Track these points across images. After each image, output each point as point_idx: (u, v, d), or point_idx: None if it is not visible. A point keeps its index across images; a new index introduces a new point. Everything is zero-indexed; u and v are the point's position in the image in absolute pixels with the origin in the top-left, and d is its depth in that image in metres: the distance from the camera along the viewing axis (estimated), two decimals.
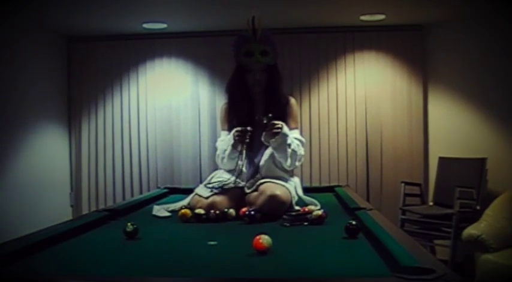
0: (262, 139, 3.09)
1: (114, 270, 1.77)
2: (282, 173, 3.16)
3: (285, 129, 3.08)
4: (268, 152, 3.16)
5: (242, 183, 3.12)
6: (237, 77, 3.30)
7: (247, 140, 3.06)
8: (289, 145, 3.09)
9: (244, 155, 3.10)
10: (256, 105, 3.30)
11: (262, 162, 3.16)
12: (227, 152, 3.17)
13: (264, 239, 1.91)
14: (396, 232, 2.16)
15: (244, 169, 3.15)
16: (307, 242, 2.24)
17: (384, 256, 1.80)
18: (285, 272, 1.71)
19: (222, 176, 3.17)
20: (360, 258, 1.87)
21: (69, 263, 1.86)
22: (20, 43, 5.15)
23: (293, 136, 3.19)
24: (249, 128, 3.06)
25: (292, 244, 2.18)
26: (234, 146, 3.12)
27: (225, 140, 3.27)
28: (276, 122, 3.03)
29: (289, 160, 3.12)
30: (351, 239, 2.19)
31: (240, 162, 3.11)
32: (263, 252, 1.90)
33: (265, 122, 3.00)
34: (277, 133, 3.02)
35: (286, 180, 3.11)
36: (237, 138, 3.08)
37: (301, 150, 3.20)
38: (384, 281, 1.45)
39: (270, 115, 3.02)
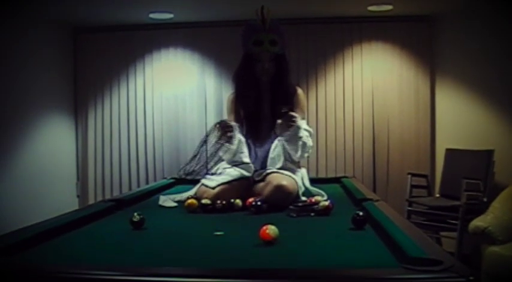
0: (277, 130, 3.07)
1: (121, 260, 1.77)
2: (289, 164, 3.15)
3: (299, 121, 3.07)
4: (277, 143, 3.14)
5: (247, 173, 3.10)
6: (244, 66, 3.29)
7: (230, 135, 3.03)
8: (301, 137, 3.08)
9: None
10: (263, 94, 3.29)
11: (272, 155, 3.15)
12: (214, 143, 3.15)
13: (271, 230, 1.90)
14: (403, 223, 2.15)
15: (247, 160, 3.14)
16: (314, 233, 2.23)
17: (391, 247, 1.79)
18: (291, 263, 1.70)
19: (226, 169, 3.16)
20: (367, 249, 1.87)
21: (75, 254, 1.86)
22: (26, 34, 5.15)
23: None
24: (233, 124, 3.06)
25: (299, 235, 2.18)
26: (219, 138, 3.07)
27: None
28: (293, 114, 3.01)
29: (299, 152, 3.11)
30: (358, 230, 2.19)
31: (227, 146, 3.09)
32: (270, 242, 1.89)
33: (283, 111, 2.98)
34: (292, 125, 3.01)
35: (293, 171, 3.10)
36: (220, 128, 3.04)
37: (310, 142, 3.19)
38: (391, 272, 1.44)
39: (289, 106, 3.01)
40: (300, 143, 3.09)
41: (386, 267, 1.53)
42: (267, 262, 1.71)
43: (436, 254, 1.58)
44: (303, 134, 3.10)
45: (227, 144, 3.05)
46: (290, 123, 3.01)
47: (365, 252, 1.82)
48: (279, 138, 3.13)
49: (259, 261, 1.72)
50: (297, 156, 3.14)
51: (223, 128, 3.02)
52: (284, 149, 3.12)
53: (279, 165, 3.11)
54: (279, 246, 1.89)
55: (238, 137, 3.14)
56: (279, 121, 3.04)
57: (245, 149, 3.18)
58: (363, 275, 1.44)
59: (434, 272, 1.38)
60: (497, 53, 5.24)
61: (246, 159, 3.15)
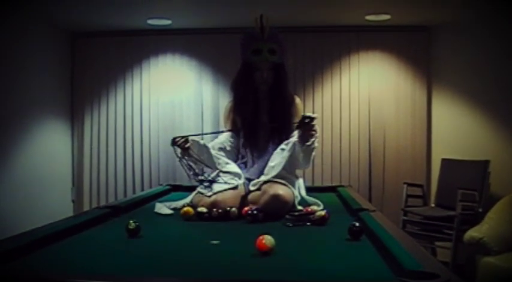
0: (297, 138, 3.02)
1: (116, 269, 1.76)
2: (287, 174, 3.13)
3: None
4: (279, 151, 3.13)
5: (243, 182, 3.10)
6: (243, 75, 3.28)
7: (187, 147, 3.07)
8: (315, 148, 3.06)
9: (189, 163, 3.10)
10: (261, 103, 3.28)
11: (272, 163, 3.12)
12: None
13: (267, 240, 1.89)
14: (399, 235, 2.15)
15: (236, 169, 3.16)
16: (310, 243, 2.23)
17: (387, 259, 1.78)
18: (288, 274, 1.69)
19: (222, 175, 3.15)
20: (364, 260, 1.86)
21: (70, 261, 1.85)
22: (24, 38, 5.14)
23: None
24: (182, 139, 3.09)
25: (295, 245, 2.17)
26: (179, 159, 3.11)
27: (220, 139, 3.32)
28: (315, 124, 2.97)
29: (310, 162, 3.10)
30: (354, 240, 2.18)
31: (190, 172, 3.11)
32: (266, 253, 1.88)
33: (307, 121, 2.91)
34: (313, 135, 2.97)
35: (290, 181, 3.09)
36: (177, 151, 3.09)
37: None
38: None
39: (315, 115, 2.93)
40: (314, 153, 3.08)
41: (383, 281, 1.52)
42: (264, 273, 1.70)
43: (433, 267, 1.58)
44: (315, 145, 3.08)
45: (191, 156, 3.07)
46: (312, 133, 2.96)
47: (361, 264, 1.82)
48: (295, 147, 3.06)
49: (256, 272, 1.72)
50: (307, 166, 3.13)
51: (177, 144, 3.07)
52: (289, 158, 3.09)
53: (274, 173, 3.08)
54: (276, 256, 1.88)
55: (201, 144, 3.15)
56: (300, 130, 2.98)
57: (222, 158, 3.18)
58: None
59: None
60: (494, 64, 5.27)
61: (231, 167, 3.16)
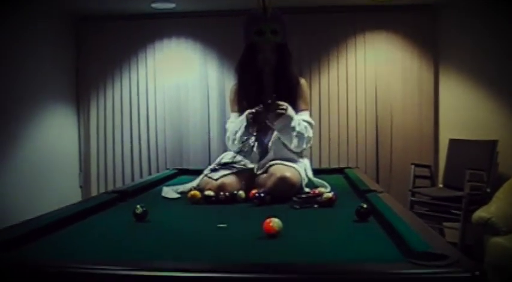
0: (267, 120, 3.06)
1: (124, 254, 1.76)
2: (291, 155, 3.14)
3: (290, 111, 3.05)
4: (277, 133, 3.14)
5: (251, 165, 3.10)
6: (247, 57, 3.27)
7: (262, 122, 3.04)
8: (293, 128, 3.06)
9: (255, 137, 3.09)
10: (266, 85, 3.27)
11: (270, 144, 3.14)
12: (238, 134, 3.15)
13: (275, 222, 1.89)
14: (408, 216, 2.14)
15: (254, 149, 3.14)
16: (318, 225, 2.22)
17: (396, 241, 1.78)
18: (295, 256, 1.69)
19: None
20: (372, 242, 1.85)
21: (78, 247, 1.85)
22: (28, 23, 5.12)
23: (302, 117, 3.17)
24: (260, 108, 3.03)
25: (303, 227, 2.17)
26: (246, 128, 3.10)
27: (236, 121, 3.26)
28: (281, 103, 3.00)
29: (294, 142, 3.10)
30: (361, 222, 2.18)
31: (251, 143, 3.10)
32: (273, 235, 1.88)
33: (269, 102, 2.96)
34: (282, 114, 2.99)
35: (295, 162, 3.08)
36: (251, 120, 3.07)
37: (309, 133, 3.17)
38: (397, 267, 1.43)
39: (274, 95, 2.98)
40: (294, 133, 3.08)
41: (393, 262, 1.51)
42: (271, 256, 1.69)
43: (441, 248, 1.57)
44: (298, 123, 3.08)
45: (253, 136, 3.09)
46: (278, 111, 2.99)
47: (370, 245, 1.81)
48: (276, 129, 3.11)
49: (263, 254, 1.71)
50: (292, 146, 3.13)
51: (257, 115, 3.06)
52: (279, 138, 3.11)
53: (272, 154, 3.10)
54: (283, 239, 1.88)
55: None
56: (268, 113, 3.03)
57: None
58: (369, 270, 1.43)
59: (440, 266, 1.37)
60: (501, 43, 5.21)
61: (255, 149, 3.15)
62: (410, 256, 1.50)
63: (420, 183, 5.44)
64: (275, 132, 3.15)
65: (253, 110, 3.06)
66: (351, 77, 5.88)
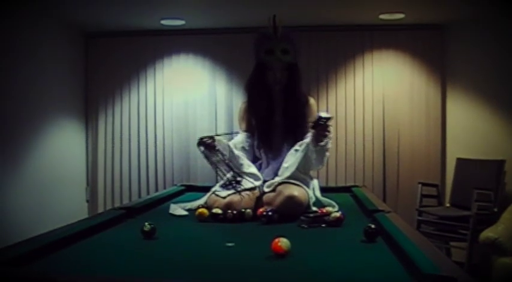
0: (310, 139, 3.00)
1: (132, 271, 1.77)
2: (302, 175, 3.13)
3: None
4: (293, 152, 3.13)
5: (257, 183, 3.07)
6: (257, 75, 3.28)
7: (217, 150, 2.97)
8: (328, 149, 3.06)
9: (221, 168, 3.02)
10: (275, 104, 3.28)
11: (285, 164, 3.12)
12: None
13: (283, 242, 1.89)
14: (415, 236, 2.14)
15: (255, 170, 3.13)
16: (326, 245, 2.22)
17: (404, 262, 1.78)
18: (303, 277, 1.69)
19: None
20: (380, 263, 1.85)
21: (86, 264, 1.86)
22: (38, 38, 5.17)
23: None
24: (209, 139, 2.99)
25: (311, 247, 2.17)
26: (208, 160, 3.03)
27: (238, 139, 3.28)
28: (330, 125, 2.95)
29: (324, 162, 3.11)
30: (369, 242, 2.17)
31: (224, 176, 3.05)
32: (282, 255, 1.88)
33: (322, 122, 2.87)
34: (327, 136, 2.96)
35: (305, 182, 3.08)
36: (205, 151, 2.99)
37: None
38: None
39: (329, 115, 2.90)
40: (327, 154, 3.08)
41: None
42: (280, 276, 1.70)
43: (450, 270, 1.57)
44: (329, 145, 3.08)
45: (218, 156, 3.01)
46: (325, 133, 2.94)
47: (378, 267, 1.81)
48: (309, 147, 3.04)
49: (272, 275, 1.72)
50: (320, 166, 3.14)
51: (205, 144, 2.99)
52: (303, 158, 3.08)
53: (288, 174, 3.07)
54: (291, 259, 1.88)
55: (226, 144, 3.11)
56: (313, 130, 2.95)
57: (245, 159, 3.16)
58: None
59: None
60: (509, 62, 5.22)
61: (253, 169, 3.14)
62: (419, 278, 1.50)
63: (427, 202, 5.43)
64: (290, 151, 3.14)
65: (203, 139, 3.00)
66: (358, 95, 5.89)
